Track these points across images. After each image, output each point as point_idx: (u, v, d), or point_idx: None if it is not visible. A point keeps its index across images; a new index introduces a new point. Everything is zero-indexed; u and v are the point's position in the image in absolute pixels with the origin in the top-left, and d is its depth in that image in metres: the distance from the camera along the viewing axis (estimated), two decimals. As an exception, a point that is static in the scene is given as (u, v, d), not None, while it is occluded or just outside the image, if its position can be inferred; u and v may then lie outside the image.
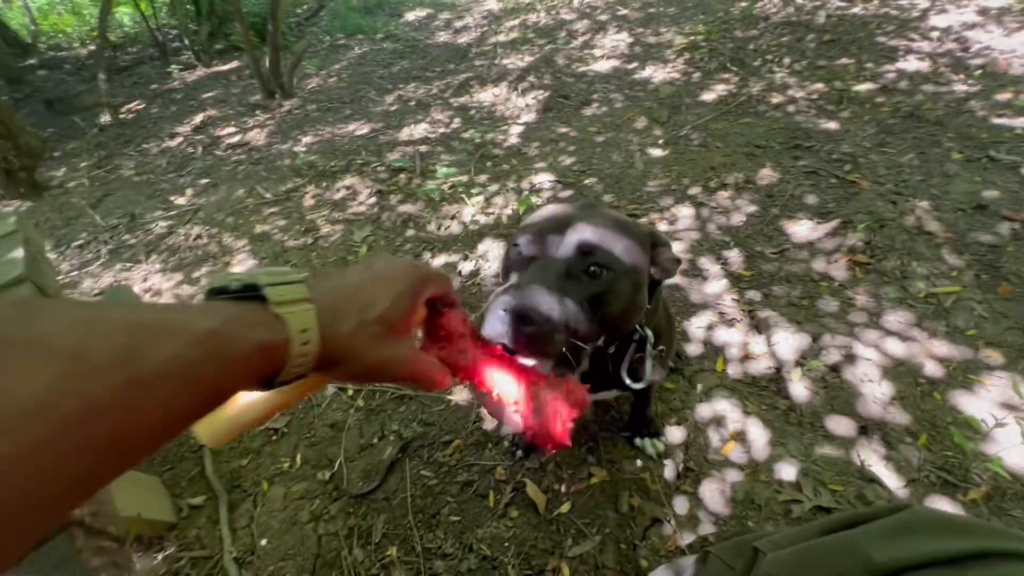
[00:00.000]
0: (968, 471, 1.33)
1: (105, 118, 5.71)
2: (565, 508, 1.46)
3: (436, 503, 1.56)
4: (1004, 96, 3.02)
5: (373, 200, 3.18)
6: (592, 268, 0.82)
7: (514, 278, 0.84)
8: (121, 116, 5.91)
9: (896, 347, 1.68)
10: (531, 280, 0.77)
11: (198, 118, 5.24)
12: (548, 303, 0.73)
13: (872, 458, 1.40)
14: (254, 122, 4.94)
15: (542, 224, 0.88)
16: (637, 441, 1.56)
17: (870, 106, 3.19)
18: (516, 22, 6.10)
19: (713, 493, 1.42)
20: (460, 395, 1.87)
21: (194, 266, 2.93)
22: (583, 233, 0.85)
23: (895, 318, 1.79)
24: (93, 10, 10.09)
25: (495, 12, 7.17)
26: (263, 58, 5.30)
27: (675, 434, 1.60)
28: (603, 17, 5.57)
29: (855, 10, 4.68)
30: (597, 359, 1.00)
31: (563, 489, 1.51)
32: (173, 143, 4.87)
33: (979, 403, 1.50)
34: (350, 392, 1.99)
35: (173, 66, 7.33)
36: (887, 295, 1.87)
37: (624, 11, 5.66)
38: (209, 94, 6.21)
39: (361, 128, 4.27)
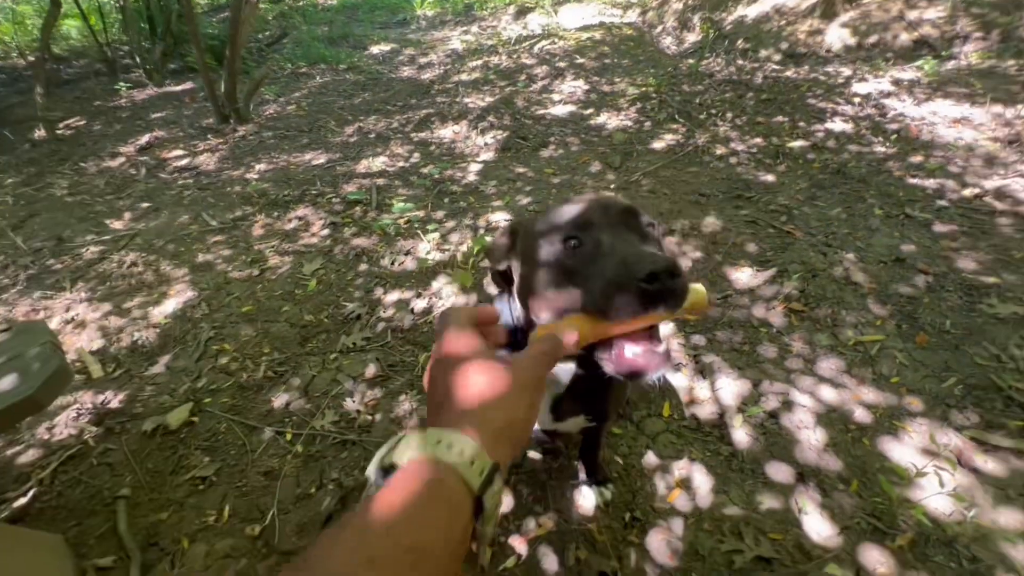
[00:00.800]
0: (895, 518, 1.39)
1: (40, 133, 5.39)
2: (510, 563, 1.41)
3: (375, 559, 1.48)
4: (917, 159, 3.34)
5: (326, 232, 3.11)
6: (647, 227, 0.83)
7: (590, 260, 0.77)
8: (58, 132, 5.58)
9: (829, 394, 1.77)
10: (629, 244, 0.74)
11: (144, 138, 5.03)
12: (670, 258, 0.71)
13: (809, 505, 1.44)
14: (205, 146, 4.79)
15: (580, 210, 0.83)
16: (585, 489, 1.54)
17: (803, 161, 3.45)
18: (479, 63, 6.28)
19: (659, 544, 1.42)
20: (406, 440, 1.80)
21: (126, 296, 2.74)
22: (617, 201, 0.84)
23: (827, 365, 1.89)
24: (38, 21, 9.64)
25: (459, 51, 7.37)
26: (219, 81, 5.20)
27: (623, 481, 1.59)
28: (561, 64, 5.83)
29: (788, 73, 5.11)
30: (586, 365, 0.96)
31: (509, 542, 1.47)
32: (114, 163, 4.63)
33: (903, 449, 1.58)
34: (288, 436, 1.89)
35: (121, 83, 7.05)
36: (820, 342, 1.98)
37: (581, 60, 5.95)
38: (158, 114, 5.99)
39: (318, 158, 4.22)
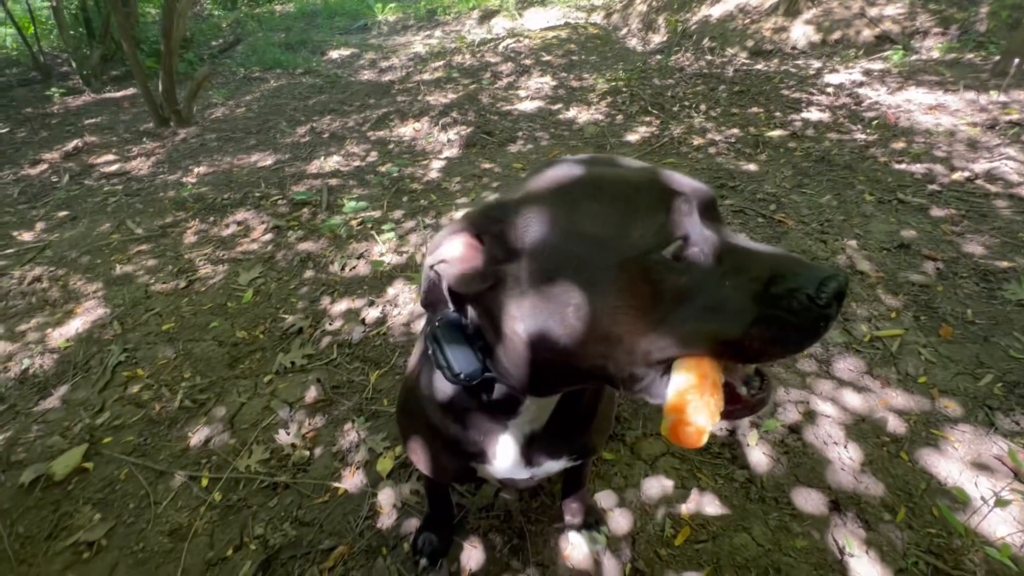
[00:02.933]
0: (958, 555, 1.12)
1: (-51, 141, 4.83)
2: (481, 641, 1.08)
3: (304, 646, 1.13)
4: (899, 145, 3.19)
5: (268, 237, 2.74)
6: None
7: (704, 275, 0.51)
8: (-27, 140, 5.04)
9: (853, 400, 1.51)
10: (765, 251, 0.52)
11: (72, 144, 4.54)
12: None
13: (852, 543, 1.16)
14: (139, 150, 4.34)
15: (668, 188, 0.52)
16: (573, 536, 1.23)
17: (784, 150, 3.26)
18: (441, 63, 6.01)
19: (670, 603, 1.11)
20: (350, 480, 1.46)
21: (23, 317, 2.32)
22: (686, 177, 0.58)
23: (845, 365, 1.64)
24: (-38, 27, 8.95)
25: (422, 55, 7.09)
26: (157, 83, 4.76)
27: (619, 521, 1.28)
28: (527, 62, 5.60)
29: (759, 67, 5.01)
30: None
31: (479, 611, 1.14)
32: (34, 171, 4.14)
33: (948, 464, 1.33)
34: (204, 482, 1.51)
35: (55, 90, 6.50)
36: (833, 340, 1.73)
37: (548, 57, 5.74)
38: (92, 120, 5.49)
39: (265, 159, 3.83)
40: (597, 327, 0.51)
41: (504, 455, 0.77)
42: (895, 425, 1.43)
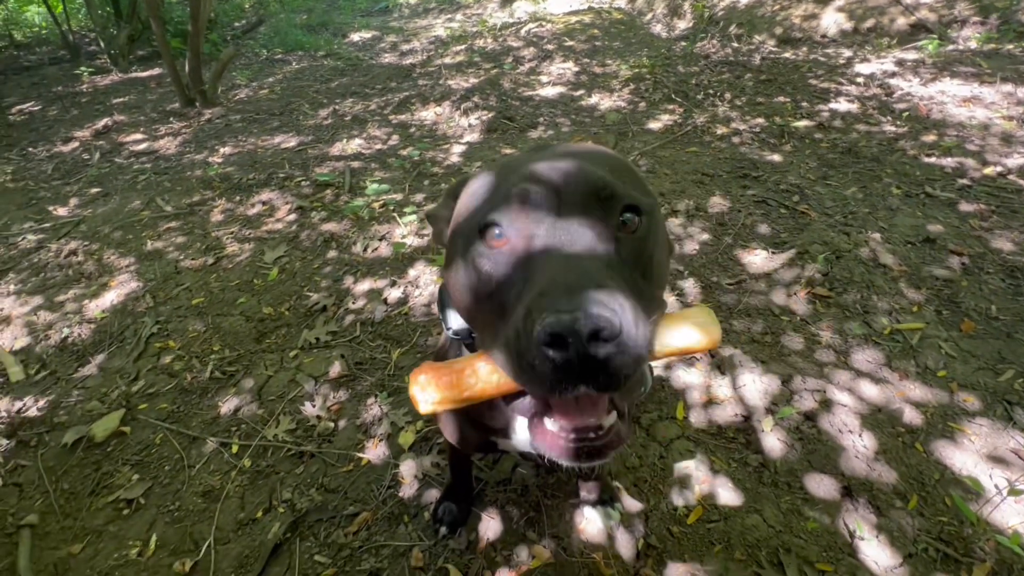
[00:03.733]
0: (968, 542, 1.14)
1: (-14, 118, 4.98)
2: (498, 605, 1.13)
3: (330, 602, 1.19)
4: (929, 138, 3.12)
5: (292, 217, 2.80)
6: (625, 218, 0.52)
7: (512, 267, 0.50)
8: (9, 116, 5.19)
9: (870, 390, 1.52)
10: (568, 256, 0.46)
11: (102, 122, 4.65)
12: (617, 299, 0.41)
13: (863, 527, 1.18)
14: (166, 130, 4.43)
15: (521, 177, 0.53)
16: (588, 511, 1.27)
17: (810, 141, 3.21)
18: (463, 47, 5.98)
19: (680, 577, 1.15)
20: (373, 452, 1.52)
21: (61, 288, 2.41)
22: (585, 172, 0.53)
23: (863, 357, 1.64)
24: (-5, 5, 9.13)
25: (443, 38, 7.06)
26: (184, 63, 4.83)
27: (633, 499, 1.32)
28: (549, 47, 5.55)
29: (787, 55, 4.89)
30: None
31: (496, 577, 1.19)
32: (66, 148, 4.26)
33: (964, 456, 1.33)
34: (234, 448, 1.59)
35: (84, 69, 6.62)
36: (852, 331, 1.73)
37: (570, 42, 5.68)
38: (120, 99, 5.60)
39: (288, 141, 3.89)
40: (452, 287, 0.57)
41: (523, 429, 0.81)
42: (911, 416, 1.44)
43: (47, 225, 3.00)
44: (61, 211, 3.18)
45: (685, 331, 0.50)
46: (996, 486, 1.24)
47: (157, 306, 2.24)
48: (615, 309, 0.39)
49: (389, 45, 7.26)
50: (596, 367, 0.39)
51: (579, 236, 0.48)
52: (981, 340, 1.66)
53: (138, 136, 4.35)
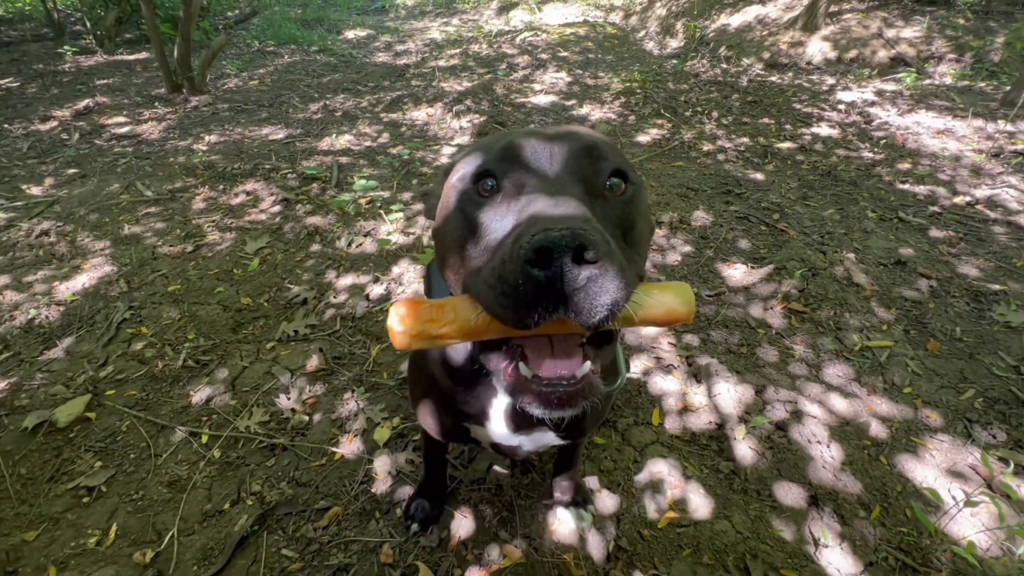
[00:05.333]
0: (927, 552, 1.17)
1: (-41, 91, 4.82)
2: (466, 603, 1.13)
3: (296, 597, 1.17)
4: (904, 166, 3.24)
5: (277, 209, 2.77)
6: (612, 182, 0.54)
7: (503, 213, 0.51)
8: (-16, 91, 5.03)
9: (839, 404, 1.56)
10: (556, 200, 0.47)
11: (83, 103, 4.54)
12: (602, 233, 0.43)
13: (827, 535, 1.21)
14: (151, 114, 4.34)
15: (516, 138, 0.56)
16: (561, 512, 1.28)
17: (792, 162, 3.31)
18: (458, 51, 6.01)
19: (649, 580, 1.16)
20: (348, 447, 1.50)
21: (30, 268, 2.34)
22: (578, 133, 0.56)
23: (834, 371, 1.69)
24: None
25: (438, 41, 7.08)
26: (173, 49, 4.75)
27: (606, 501, 1.33)
28: (544, 56, 5.61)
29: (773, 79, 5.04)
30: None
31: (466, 575, 1.18)
32: (44, 127, 4.14)
33: (925, 469, 1.38)
34: (204, 439, 1.55)
35: (67, 48, 6.47)
36: (824, 346, 1.78)
37: (564, 53, 5.75)
38: (104, 81, 5.47)
39: (276, 133, 3.85)
40: (439, 242, 0.59)
41: (496, 418, 0.81)
42: (877, 430, 1.48)
43: (19, 204, 2.91)
44: (35, 190, 3.08)
45: (662, 299, 0.52)
46: (954, 498, 1.28)
47: (131, 291, 2.18)
48: (601, 237, 0.40)
49: (384, 44, 7.26)
50: (578, 293, 0.39)
51: (568, 187, 0.50)
52: (945, 360, 1.72)
53: (121, 119, 4.26)
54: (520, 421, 0.80)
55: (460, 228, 0.55)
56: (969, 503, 1.14)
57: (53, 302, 2.13)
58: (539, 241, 0.39)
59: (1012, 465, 1.33)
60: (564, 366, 0.48)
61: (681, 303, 0.52)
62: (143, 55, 6.64)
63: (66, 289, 2.20)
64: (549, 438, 0.87)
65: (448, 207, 0.58)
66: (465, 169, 0.57)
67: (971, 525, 1.23)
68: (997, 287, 2.05)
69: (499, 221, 0.51)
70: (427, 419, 0.92)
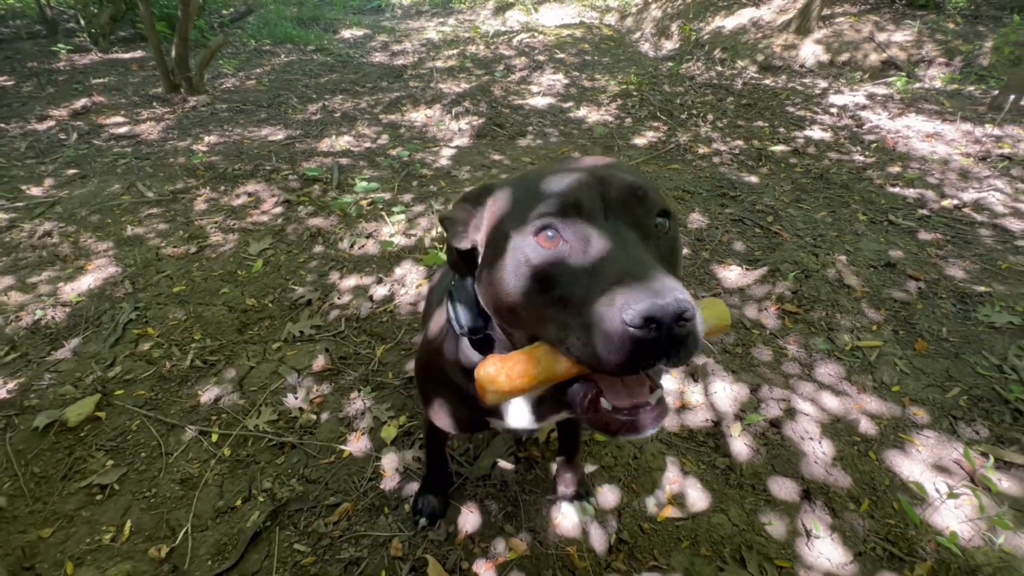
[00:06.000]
0: (912, 543, 1.23)
1: (-46, 90, 4.79)
2: (475, 594, 1.17)
3: (309, 589, 1.21)
4: (895, 169, 3.32)
5: (279, 210, 2.80)
6: (659, 222, 0.59)
7: (571, 263, 0.56)
8: (-21, 90, 5.00)
9: (831, 402, 1.62)
10: (627, 251, 0.53)
11: (80, 102, 4.54)
12: (683, 289, 0.49)
13: (819, 527, 1.27)
14: (149, 114, 4.35)
15: (568, 184, 0.59)
16: (564, 506, 1.32)
17: (785, 165, 3.37)
18: (455, 51, 6.04)
19: (650, 572, 1.21)
20: (355, 444, 1.54)
21: (34, 269, 2.36)
22: (620, 177, 0.60)
23: (826, 370, 1.75)
24: (-32, -26, 8.77)
25: (435, 41, 7.11)
26: (170, 48, 4.75)
27: (607, 496, 1.38)
28: (541, 57, 5.66)
29: (767, 82, 5.11)
30: None
31: (473, 568, 1.23)
32: (41, 126, 4.14)
33: (912, 464, 1.44)
34: (214, 437, 1.59)
35: (61, 45, 6.43)
36: (816, 346, 1.84)
37: (561, 55, 5.80)
38: (100, 80, 5.46)
39: (276, 134, 3.87)
40: (499, 290, 0.61)
41: (517, 412, 0.86)
42: (867, 427, 1.54)
43: (19, 204, 2.92)
44: (35, 191, 3.09)
45: (710, 317, 0.59)
46: (938, 491, 1.34)
47: (136, 292, 2.21)
48: (687, 296, 0.47)
49: (380, 44, 7.28)
50: (675, 345, 0.46)
51: (628, 235, 0.55)
52: (932, 359, 1.79)
53: (119, 119, 4.26)
54: (540, 411, 0.85)
55: (524, 277, 0.57)
56: (952, 495, 1.20)
57: (59, 303, 2.15)
58: (647, 310, 0.45)
59: (992, 459, 1.39)
60: (639, 394, 0.55)
61: (722, 317, 0.59)
62: (139, 54, 6.62)
63: (71, 290, 2.22)
64: (563, 415, 0.92)
65: (505, 256, 0.60)
66: (518, 216, 0.60)
67: (954, 516, 1.29)
68: (982, 289, 2.12)
69: (571, 273, 0.54)
70: (443, 418, 0.96)
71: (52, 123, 4.19)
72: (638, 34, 7.59)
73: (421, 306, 2.10)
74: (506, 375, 0.54)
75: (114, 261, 2.40)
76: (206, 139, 3.78)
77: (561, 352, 0.53)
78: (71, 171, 3.33)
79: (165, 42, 5.13)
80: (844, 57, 5.81)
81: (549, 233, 0.57)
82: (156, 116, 4.32)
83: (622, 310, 0.46)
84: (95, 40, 6.83)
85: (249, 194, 2.95)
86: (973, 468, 1.37)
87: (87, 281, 2.27)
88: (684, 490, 1.39)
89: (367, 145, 3.64)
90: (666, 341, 0.46)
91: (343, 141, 3.68)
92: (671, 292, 0.46)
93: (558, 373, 0.54)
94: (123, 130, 4.04)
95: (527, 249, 0.58)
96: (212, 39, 5.34)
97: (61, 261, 2.42)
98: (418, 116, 4.12)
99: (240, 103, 4.60)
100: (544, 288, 0.56)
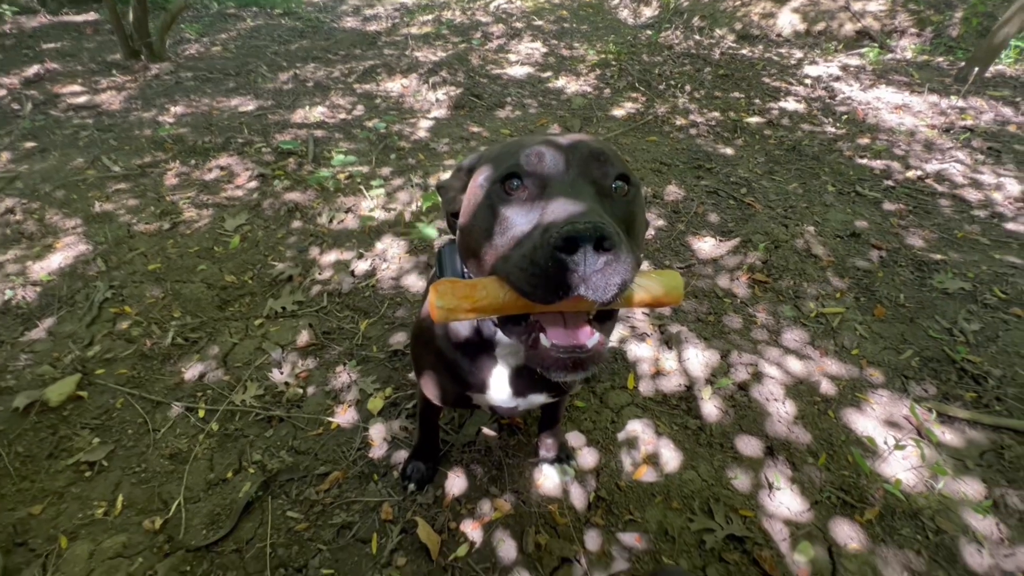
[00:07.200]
0: (863, 491, 1.35)
1: None
2: (462, 551, 1.25)
3: (304, 553, 1.27)
4: (864, 140, 3.41)
5: (253, 184, 2.74)
6: (617, 184, 0.65)
7: (527, 209, 0.61)
8: (-83, 56, 4.67)
9: (795, 365, 1.72)
10: (576, 198, 0.57)
11: (32, 69, 4.29)
12: (615, 227, 0.53)
13: (780, 479, 1.37)
14: (109, 83, 4.14)
15: (535, 145, 0.65)
16: (546, 468, 1.40)
17: (760, 137, 3.43)
18: (430, 17, 5.86)
19: (625, 524, 1.30)
20: (343, 416, 1.58)
21: (-2, 248, 2.28)
22: (587, 142, 0.66)
23: (792, 336, 1.84)
24: None
25: (408, 6, 6.86)
26: (127, 11, 4.50)
27: (586, 458, 1.46)
28: (518, 24, 5.54)
29: (744, 52, 5.12)
30: None
31: (460, 528, 1.30)
32: (-9, 96, 3.91)
33: (866, 421, 1.55)
34: (201, 413, 1.61)
35: (5, 7, 6.00)
36: (784, 314, 1.93)
37: (539, 22, 5.68)
38: (51, 45, 5.15)
39: (246, 104, 3.74)
40: (465, 234, 0.68)
41: (497, 386, 0.91)
42: (827, 388, 1.65)
43: (-24, 180, 2.79)
44: (-9, 165, 2.95)
45: (656, 284, 0.62)
46: (887, 444, 1.46)
47: (110, 270, 2.17)
48: (614, 230, 0.50)
49: (351, 8, 6.99)
50: (595, 275, 0.50)
51: (583, 188, 0.60)
52: (889, 324, 1.90)
53: (76, 88, 4.05)
54: (519, 387, 0.90)
55: (488, 221, 0.63)
56: (899, 447, 1.31)
57: (28, 282, 2.10)
58: (568, 232, 0.48)
59: (935, 414, 1.52)
60: (577, 336, 0.58)
61: (672, 288, 0.62)
62: (91, 16, 6.23)
63: (40, 269, 2.17)
64: (541, 398, 0.97)
65: (476, 203, 0.67)
66: (492, 171, 0.66)
67: (901, 466, 1.41)
68: (939, 257, 2.24)
69: (525, 215, 0.60)
70: (431, 388, 1.01)
71: (3, 92, 3.96)
72: (617, 0, 7.45)
73: (403, 280, 2.12)
74: (452, 292, 0.58)
75: (84, 239, 2.34)
76: (172, 110, 3.64)
77: (504, 282, 0.58)
78: (29, 144, 3.19)
79: (121, 3, 4.84)
80: (820, 27, 5.83)
81: (514, 182, 0.63)
82: (117, 85, 4.12)
83: (547, 232, 0.51)
84: (43, 1, 6.39)
85: (222, 168, 2.87)
86: (919, 422, 1.49)
87: (57, 260, 2.21)
88: (658, 450, 1.48)
89: (342, 116, 3.56)
90: (589, 270, 0.49)
91: (317, 112, 3.59)
92: (594, 216, 0.50)
93: (501, 300, 0.57)
94: (82, 100, 3.85)
95: (493, 196, 0.64)
96: (172, 1, 5.05)
97: (27, 239, 2.35)
98: (394, 86, 4.03)
99: (206, 71, 4.41)
100: (503, 230, 0.61)
